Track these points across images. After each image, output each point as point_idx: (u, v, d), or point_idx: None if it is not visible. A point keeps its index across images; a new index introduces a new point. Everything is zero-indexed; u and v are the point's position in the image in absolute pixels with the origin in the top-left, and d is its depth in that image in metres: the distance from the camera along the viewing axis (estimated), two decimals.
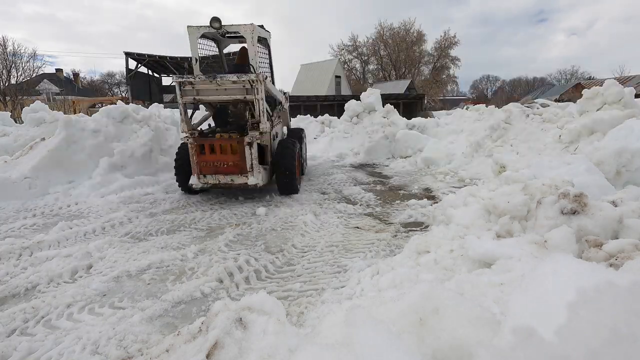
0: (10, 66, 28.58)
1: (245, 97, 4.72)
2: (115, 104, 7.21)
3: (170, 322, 2.14)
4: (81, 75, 48.38)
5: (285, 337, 1.28)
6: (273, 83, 6.00)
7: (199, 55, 5.33)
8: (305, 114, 15.63)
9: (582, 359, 0.72)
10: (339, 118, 12.15)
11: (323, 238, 3.41)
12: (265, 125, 4.81)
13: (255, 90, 4.65)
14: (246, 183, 4.83)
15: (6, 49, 27.91)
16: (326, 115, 13.32)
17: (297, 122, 11.79)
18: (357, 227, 3.69)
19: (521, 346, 0.80)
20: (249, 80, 4.60)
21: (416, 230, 3.53)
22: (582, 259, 1.92)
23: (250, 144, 4.75)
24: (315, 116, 13.42)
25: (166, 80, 40.03)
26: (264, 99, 4.75)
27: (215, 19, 4.92)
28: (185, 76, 4.72)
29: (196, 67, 5.32)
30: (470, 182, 5.45)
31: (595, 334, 0.72)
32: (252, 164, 4.80)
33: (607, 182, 3.20)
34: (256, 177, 4.84)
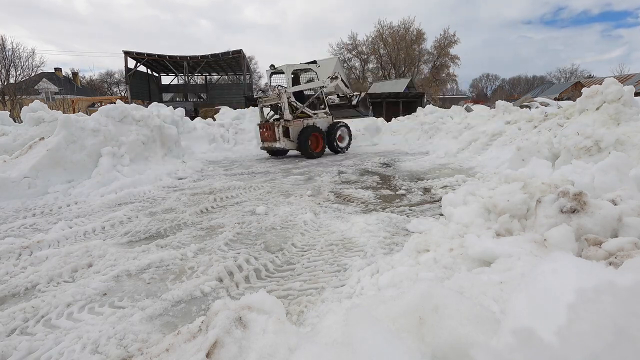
0: (9, 65, 28.51)
1: (277, 103, 9.56)
2: (115, 103, 7.20)
3: (170, 321, 2.14)
4: (78, 72, 48.25)
5: (285, 336, 1.28)
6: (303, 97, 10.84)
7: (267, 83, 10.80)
8: None
9: None
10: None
11: (323, 237, 3.41)
12: (287, 116, 9.45)
13: (280, 99, 9.38)
14: (276, 146, 9.63)
15: (5, 47, 27.83)
16: None
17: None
18: None
19: (521, 347, 0.80)
20: (277, 94, 9.51)
21: None
22: (582, 258, 1.92)
23: (277, 126, 9.45)
24: None
25: (165, 80, 40.04)
26: (287, 103, 9.46)
27: (272, 65, 10.26)
28: (259, 93, 11.93)
29: (269, 89, 10.59)
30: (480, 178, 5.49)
31: (595, 335, 0.72)
32: (279, 136, 9.43)
33: None
34: (281, 144, 9.47)
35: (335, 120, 10.62)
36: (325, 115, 10.48)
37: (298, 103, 9.93)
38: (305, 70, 10.75)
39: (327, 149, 10.35)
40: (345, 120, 11.13)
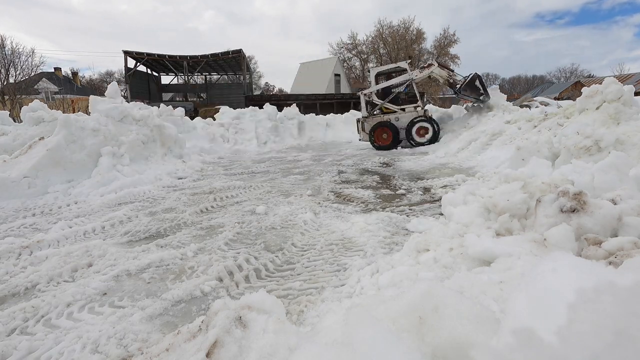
0: (9, 65, 28.47)
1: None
2: None
3: (170, 320, 2.14)
4: (78, 72, 48.29)
5: (285, 335, 1.28)
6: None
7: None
8: (305, 113, 15.70)
9: None
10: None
11: (323, 236, 3.41)
12: (364, 113, 10.94)
13: (360, 99, 11.14)
14: (360, 139, 11.50)
15: (4, 47, 27.78)
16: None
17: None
18: None
19: (521, 347, 0.80)
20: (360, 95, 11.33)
21: None
22: (582, 257, 1.92)
23: (358, 121, 11.44)
24: (316, 114, 13.78)
25: (165, 79, 40.00)
26: (365, 102, 11.02)
27: (371, 67, 11.88)
28: (364, 92, 10.97)
29: (372, 89, 11.07)
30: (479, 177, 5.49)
31: (595, 335, 0.72)
32: (359, 130, 11.35)
33: None
34: (361, 136, 11.40)
35: (417, 116, 10.62)
36: (412, 109, 10.70)
37: (378, 100, 10.85)
38: (397, 71, 11.26)
39: (404, 142, 10.81)
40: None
